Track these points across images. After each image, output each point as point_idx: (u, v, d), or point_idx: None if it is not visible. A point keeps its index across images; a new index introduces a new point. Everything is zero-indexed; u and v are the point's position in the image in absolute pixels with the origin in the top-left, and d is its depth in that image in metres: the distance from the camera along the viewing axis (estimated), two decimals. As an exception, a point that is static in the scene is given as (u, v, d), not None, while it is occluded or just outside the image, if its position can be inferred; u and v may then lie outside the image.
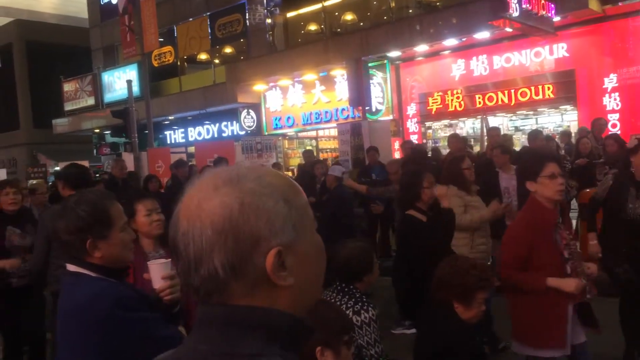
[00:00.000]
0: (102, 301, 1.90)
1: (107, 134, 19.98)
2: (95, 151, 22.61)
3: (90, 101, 21.91)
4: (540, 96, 11.62)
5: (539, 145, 7.46)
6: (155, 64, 16.95)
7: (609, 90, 10.97)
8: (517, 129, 12.94)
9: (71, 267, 2.05)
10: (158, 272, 2.27)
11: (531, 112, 12.49)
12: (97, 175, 19.60)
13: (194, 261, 0.87)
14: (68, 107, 22.94)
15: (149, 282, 2.35)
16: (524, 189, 3.31)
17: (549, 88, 11.50)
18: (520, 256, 3.11)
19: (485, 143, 9.05)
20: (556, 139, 10.04)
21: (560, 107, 11.92)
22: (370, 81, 12.92)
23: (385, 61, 13.86)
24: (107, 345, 1.88)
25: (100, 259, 2.02)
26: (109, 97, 21.03)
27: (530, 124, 12.72)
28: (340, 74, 14.22)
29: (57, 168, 20.47)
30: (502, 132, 9.34)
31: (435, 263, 3.84)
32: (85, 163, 17.87)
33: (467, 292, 2.75)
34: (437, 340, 2.77)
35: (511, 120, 12.98)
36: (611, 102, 10.92)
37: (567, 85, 11.41)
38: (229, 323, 0.87)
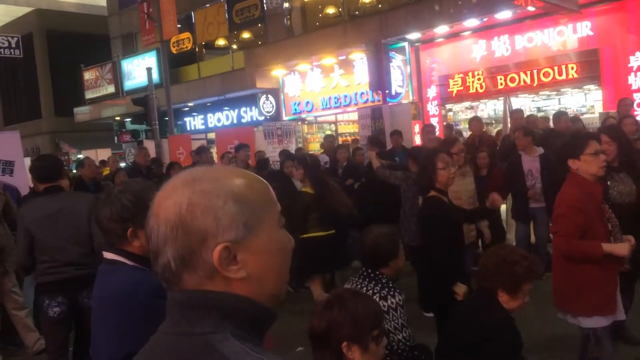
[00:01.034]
0: (141, 289, 1.93)
1: (127, 121, 20.14)
2: (116, 139, 22.83)
3: (111, 89, 22.09)
4: (564, 76, 11.40)
5: (563, 127, 7.33)
6: (173, 50, 16.99)
7: (634, 69, 10.73)
8: (539, 109, 12.72)
9: (108, 255, 2.09)
10: None
11: (554, 93, 12.27)
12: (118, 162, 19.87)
13: (155, 252, 0.97)
14: (89, 95, 23.17)
15: None
16: (557, 170, 3.36)
17: (572, 68, 11.27)
18: (580, 225, 3.21)
19: (509, 125, 8.90)
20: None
21: (584, 87, 11.69)
22: (390, 64, 12.79)
23: (405, 43, 13.71)
24: (145, 332, 1.91)
25: (139, 247, 2.06)
26: (128, 84, 21.18)
27: (553, 105, 12.50)
28: (359, 58, 14.12)
29: (80, 156, 20.75)
30: (525, 114, 9.20)
31: (454, 247, 3.85)
32: (107, 151, 18.13)
33: (515, 282, 2.73)
34: (484, 326, 2.75)
35: (533, 101, 12.77)
36: (637, 81, 10.69)
37: (591, 65, 11.17)
38: (187, 306, 0.95)
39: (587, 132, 5.27)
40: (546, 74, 11.58)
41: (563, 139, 7.19)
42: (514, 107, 10.23)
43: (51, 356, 3.97)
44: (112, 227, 2.06)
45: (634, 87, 10.73)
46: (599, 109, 11.32)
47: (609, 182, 4.21)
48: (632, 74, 10.74)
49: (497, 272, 2.76)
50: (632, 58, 10.74)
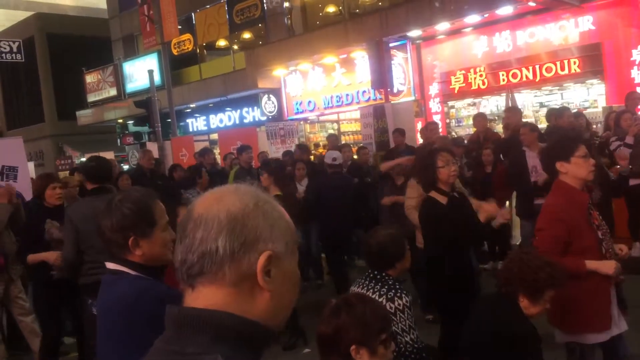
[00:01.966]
0: (147, 300, 1.92)
1: (130, 123, 20.18)
2: (119, 141, 22.87)
3: (113, 92, 22.11)
4: (566, 71, 11.34)
5: (566, 123, 7.28)
6: (174, 52, 17.01)
7: (637, 62, 10.68)
8: (542, 105, 12.68)
9: (111, 265, 2.08)
10: None
11: (556, 88, 12.21)
12: (121, 165, 19.89)
13: (199, 241, 0.96)
14: (91, 98, 23.20)
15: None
16: (552, 168, 3.23)
17: (574, 62, 11.22)
18: (560, 239, 3.04)
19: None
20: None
21: (587, 81, 11.63)
22: (391, 62, 12.77)
23: (406, 41, 13.68)
24: (153, 340, 1.91)
25: (141, 256, 2.04)
26: (130, 87, 21.20)
27: (555, 100, 12.44)
28: (360, 56, 14.09)
29: (83, 159, 20.79)
30: (528, 110, 9.17)
31: (454, 247, 3.80)
32: (110, 154, 18.13)
33: (537, 289, 2.70)
34: (514, 329, 2.71)
35: (536, 96, 12.72)
36: (640, 74, 10.64)
37: (594, 59, 11.11)
38: (182, 323, 0.95)
39: (574, 133, 5.10)
40: (548, 69, 11.53)
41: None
42: (517, 102, 10.19)
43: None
44: (113, 237, 2.04)
45: (637, 81, 10.67)
46: (602, 103, 11.27)
47: None
48: (635, 67, 10.68)
49: (520, 278, 2.72)
50: (634, 52, 10.69)
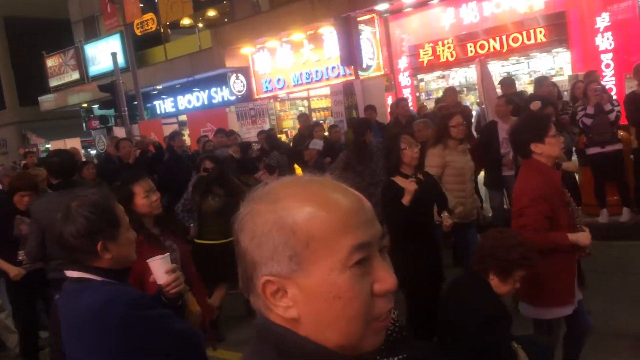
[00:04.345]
0: (116, 305, 1.87)
1: (95, 107, 19.71)
2: (84, 126, 22.36)
3: (75, 75, 21.53)
4: (532, 40, 11.44)
5: (546, 92, 7.34)
6: (137, 32, 16.54)
7: (601, 30, 10.80)
8: (509, 74, 12.78)
9: (74, 274, 1.98)
10: (160, 267, 2.24)
11: (523, 57, 12.32)
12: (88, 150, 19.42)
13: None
14: (53, 82, 22.56)
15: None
16: (526, 149, 3.23)
17: (540, 32, 11.32)
18: (547, 214, 3.09)
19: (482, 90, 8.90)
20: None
21: (553, 50, 11.76)
22: (360, 37, 12.68)
23: (374, 15, 13.58)
24: (129, 347, 1.87)
25: (109, 260, 1.97)
26: (93, 70, 20.66)
27: (522, 69, 12.57)
28: (328, 31, 13.95)
29: (48, 146, 20.27)
30: (496, 79, 9.22)
31: (414, 230, 3.85)
32: (76, 140, 17.69)
33: (508, 268, 2.75)
34: (483, 307, 2.75)
35: (503, 66, 12.82)
36: (604, 42, 10.77)
37: (559, 28, 11.22)
38: (255, 335, 0.89)
39: (541, 114, 5.10)
40: (515, 39, 11.61)
41: (553, 104, 7.25)
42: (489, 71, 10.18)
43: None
44: (79, 244, 1.95)
45: (601, 48, 10.81)
46: (567, 71, 11.43)
47: None
48: (599, 35, 10.81)
49: (491, 256, 2.77)
50: (598, 19, 10.80)
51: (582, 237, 3.12)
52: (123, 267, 2.04)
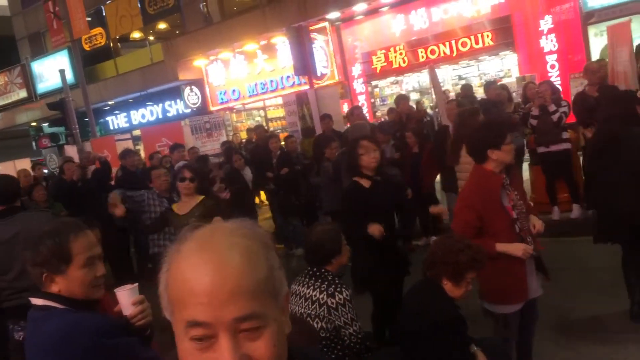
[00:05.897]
0: (81, 333, 1.83)
1: (44, 125, 19.16)
2: (34, 145, 21.68)
3: (23, 94, 20.90)
4: (481, 44, 11.77)
5: (493, 95, 7.55)
6: (86, 47, 16.21)
7: (545, 32, 11.18)
8: (460, 77, 13.10)
9: (38, 301, 1.95)
10: (127, 298, 2.18)
11: (473, 61, 12.64)
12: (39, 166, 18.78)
13: None
14: (-1, 102, 21.84)
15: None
16: (482, 155, 3.30)
17: (487, 36, 11.66)
18: (470, 224, 3.18)
19: (434, 96, 9.11)
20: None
21: (500, 53, 12.11)
22: (312, 46, 12.75)
23: (326, 23, 13.68)
24: None
25: (59, 292, 1.94)
26: (41, 87, 20.10)
27: (472, 72, 12.89)
28: (281, 41, 13.97)
29: (-2, 167, 19.56)
30: (447, 83, 9.45)
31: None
32: (26, 161, 17.10)
33: (459, 271, 2.80)
34: (437, 314, 2.79)
35: (454, 69, 13.12)
36: (548, 43, 11.15)
37: (505, 31, 11.58)
38: None
39: (501, 120, 5.21)
40: (464, 44, 11.91)
41: (499, 107, 7.46)
42: (439, 78, 10.40)
43: None
44: (32, 271, 1.94)
45: (546, 50, 11.19)
46: (515, 73, 11.78)
47: None
48: (544, 37, 11.19)
49: (442, 261, 2.83)
50: (542, 22, 11.18)
51: (513, 248, 3.14)
52: (87, 299, 1.99)
